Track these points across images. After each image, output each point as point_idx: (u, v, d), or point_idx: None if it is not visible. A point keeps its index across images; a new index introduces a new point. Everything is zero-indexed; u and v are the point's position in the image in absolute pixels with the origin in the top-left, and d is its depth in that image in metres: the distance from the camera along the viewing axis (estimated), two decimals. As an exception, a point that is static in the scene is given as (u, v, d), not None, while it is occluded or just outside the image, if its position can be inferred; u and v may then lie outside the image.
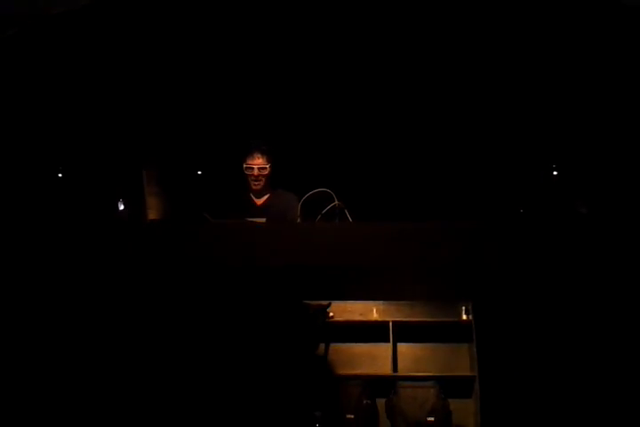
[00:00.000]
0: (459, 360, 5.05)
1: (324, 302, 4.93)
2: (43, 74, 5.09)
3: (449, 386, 4.85)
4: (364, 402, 4.76)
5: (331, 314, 5.07)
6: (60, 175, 6.04)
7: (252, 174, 4.23)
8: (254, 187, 4.27)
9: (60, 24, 4.44)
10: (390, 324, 5.07)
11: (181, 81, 5.55)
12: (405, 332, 5.09)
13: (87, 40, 4.88)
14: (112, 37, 4.94)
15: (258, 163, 4.23)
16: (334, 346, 5.04)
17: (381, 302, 5.17)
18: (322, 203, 2.94)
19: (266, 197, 4.38)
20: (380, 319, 5.16)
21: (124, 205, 2.39)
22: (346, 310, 5.21)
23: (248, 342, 3.98)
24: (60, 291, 2.65)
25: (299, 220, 3.10)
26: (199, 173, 6.29)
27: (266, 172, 4.24)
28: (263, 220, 3.27)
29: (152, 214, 3.05)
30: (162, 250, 2.27)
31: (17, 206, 4.84)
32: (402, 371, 5.00)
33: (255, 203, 4.35)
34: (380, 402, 4.85)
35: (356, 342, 5.12)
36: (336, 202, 2.84)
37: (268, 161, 4.27)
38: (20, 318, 3.00)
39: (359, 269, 2.54)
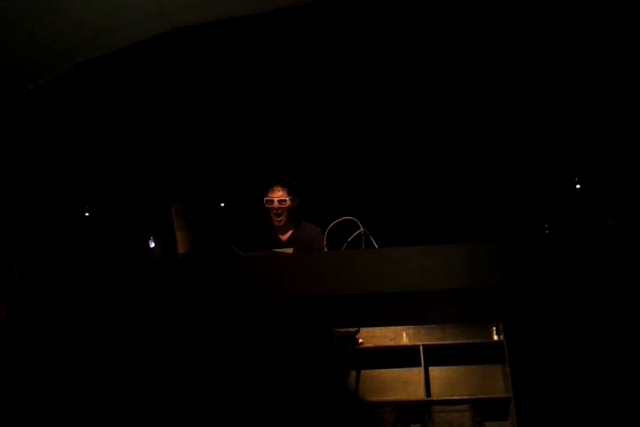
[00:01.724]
0: (492, 382, 4.99)
1: (353, 329, 4.93)
2: (70, 114, 5.20)
3: (484, 409, 4.79)
4: (400, 428, 4.71)
5: (360, 340, 5.06)
6: (87, 214, 6.15)
7: (273, 207, 4.14)
8: (277, 223, 4.15)
9: (91, 69, 4.52)
10: (421, 348, 5.04)
11: (203, 115, 5.63)
12: (437, 355, 5.05)
13: (112, 83, 4.99)
14: (137, 81, 5.04)
15: (278, 195, 4.14)
16: (366, 373, 5.01)
17: (411, 326, 5.15)
18: (347, 231, 2.95)
19: (290, 232, 4.27)
20: (410, 344, 5.14)
21: (155, 242, 2.42)
22: (375, 336, 5.20)
23: (279, 373, 3.98)
24: (95, 331, 2.68)
25: (325, 248, 3.09)
26: (222, 205, 6.35)
27: (286, 204, 4.15)
28: (290, 250, 3.25)
29: (180, 249, 3.09)
30: (194, 284, 2.30)
31: (47, 245, 4.92)
32: (435, 395, 4.96)
33: (280, 239, 4.24)
34: (416, 428, 4.81)
35: (388, 367, 5.09)
36: (361, 229, 2.86)
37: (289, 194, 4.19)
38: (52, 357, 3.04)
39: (387, 295, 2.54)
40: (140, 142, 5.62)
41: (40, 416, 3.14)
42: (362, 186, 5.82)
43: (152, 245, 2.57)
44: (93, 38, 3.88)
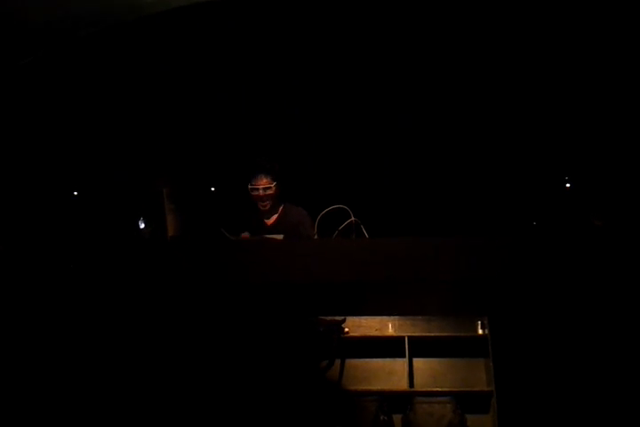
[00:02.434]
0: (475, 375, 5.02)
1: (339, 318, 4.95)
2: (62, 92, 5.16)
3: (465, 401, 4.83)
4: (381, 418, 4.74)
5: (346, 330, 5.08)
6: (75, 193, 6.12)
7: (258, 195, 4.15)
8: (262, 208, 4.17)
9: (83, 46, 4.50)
10: (406, 339, 5.06)
11: (194, 98, 5.59)
12: (421, 347, 5.08)
13: (109, 62, 4.96)
14: (130, 60, 5.01)
15: (262, 183, 4.14)
16: (350, 362, 5.04)
17: (397, 317, 5.17)
18: (339, 219, 2.95)
19: (275, 216, 4.28)
20: (395, 335, 5.16)
21: (145, 223, 2.41)
22: (361, 326, 5.22)
23: (263, 357, 3.99)
24: (83, 310, 2.68)
25: (315, 236, 3.10)
26: (212, 189, 6.34)
27: (271, 191, 4.15)
28: (281, 236, 3.26)
29: (169, 231, 3.08)
30: (183, 266, 2.30)
31: (32, 222, 4.89)
32: (418, 386, 4.99)
33: (265, 223, 4.26)
34: (397, 418, 4.83)
35: (372, 357, 5.11)
36: (352, 218, 2.86)
37: (273, 180, 4.19)
38: (39, 336, 3.03)
39: (375, 285, 2.55)
40: (132, 123, 5.59)
41: (26, 395, 3.14)
42: (355, 175, 5.81)
43: (142, 225, 2.57)
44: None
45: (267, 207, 4.17)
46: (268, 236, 3.34)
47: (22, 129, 5.13)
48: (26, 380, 3.04)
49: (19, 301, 3.15)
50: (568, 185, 6.15)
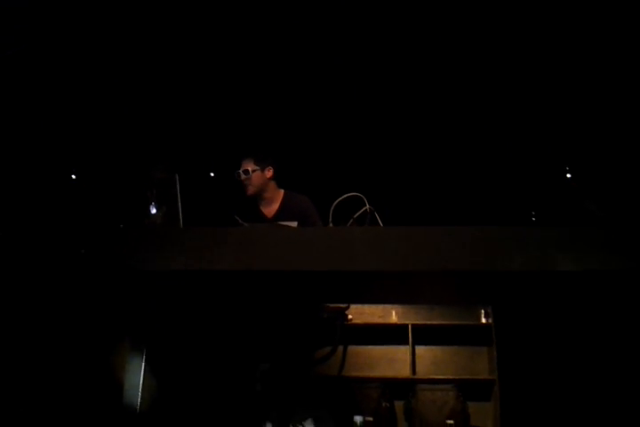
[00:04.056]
0: (477, 363, 5.05)
1: (343, 305, 4.96)
2: (60, 75, 5.13)
3: (467, 389, 4.86)
4: (383, 405, 4.77)
5: (349, 317, 5.09)
6: (73, 176, 6.10)
7: (240, 179, 3.93)
8: (246, 191, 3.93)
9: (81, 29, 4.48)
10: (409, 327, 5.08)
11: (195, 82, 5.56)
12: (424, 335, 5.10)
13: (104, 43, 4.93)
14: (123, 43, 4.97)
15: (242, 167, 3.93)
16: (353, 349, 5.06)
17: (400, 305, 5.18)
18: (354, 207, 2.94)
19: (276, 206, 4.04)
20: (399, 322, 5.17)
21: (157, 208, 2.40)
22: (364, 313, 5.23)
23: (268, 344, 4.01)
24: (83, 296, 2.68)
25: (330, 224, 3.05)
26: (212, 174, 6.32)
27: (250, 176, 3.90)
28: (295, 224, 3.20)
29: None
30: (194, 252, 2.30)
31: (31, 207, 4.89)
32: (420, 374, 5.01)
33: (265, 215, 4.02)
34: (399, 405, 4.86)
35: (375, 344, 5.13)
36: (367, 206, 2.86)
37: (256, 164, 3.94)
38: (32, 321, 3.04)
39: (381, 273, 2.55)
40: (133, 107, 5.56)
41: (28, 382, 3.15)
42: (371, 163, 5.79)
43: (153, 211, 2.55)
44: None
45: (250, 191, 3.94)
46: (282, 222, 3.28)
47: (22, 110, 5.11)
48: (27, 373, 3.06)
49: (24, 288, 3.16)
50: (568, 175, 6.15)
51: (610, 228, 2.53)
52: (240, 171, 3.93)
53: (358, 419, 3.62)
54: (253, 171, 3.91)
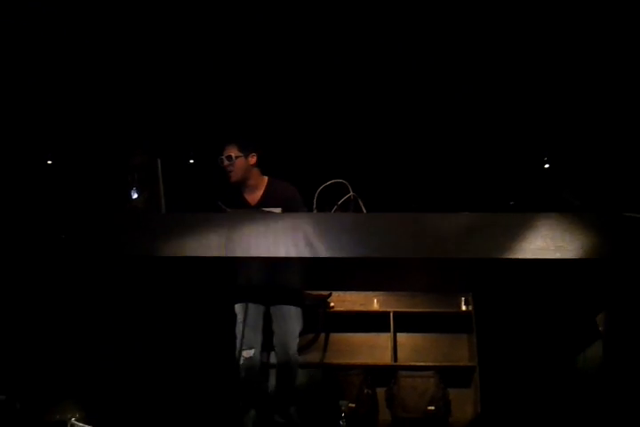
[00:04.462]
0: (458, 350, 5.10)
1: (325, 293, 4.98)
2: (37, 59, 5.05)
3: (448, 376, 4.91)
4: (365, 391, 4.81)
5: (332, 304, 5.12)
6: (49, 162, 6.02)
7: (223, 166, 3.82)
8: (228, 177, 3.84)
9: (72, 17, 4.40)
10: (391, 314, 5.12)
11: (181, 68, 5.50)
12: (406, 322, 5.14)
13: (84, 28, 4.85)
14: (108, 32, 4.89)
15: (225, 153, 3.83)
16: (335, 336, 5.09)
17: (382, 292, 5.21)
18: (337, 194, 2.94)
19: (259, 193, 3.96)
20: (380, 310, 5.21)
21: (138, 193, 2.36)
22: (346, 300, 5.26)
23: (250, 331, 4.00)
24: (71, 283, 2.66)
25: (315, 210, 3.03)
26: (191, 161, 6.25)
27: (233, 162, 3.81)
28: (279, 209, 3.17)
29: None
30: (179, 238, 2.28)
31: (8, 193, 4.83)
32: (402, 361, 5.06)
33: (248, 202, 3.94)
34: (381, 391, 4.91)
35: (357, 331, 5.17)
36: (351, 193, 2.85)
37: (240, 151, 3.84)
38: (27, 308, 3.02)
39: (363, 260, 2.56)
40: (113, 91, 5.49)
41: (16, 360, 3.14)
42: (355, 150, 5.78)
43: (134, 195, 2.52)
44: None
45: (233, 178, 3.83)
46: (266, 209, 3.25)
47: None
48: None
49: (5, 274, 3.13)
50: (547, 165, 6.18)
51: (589, 215, 2.55)
52: (223, 157, 3.84)
53: (343, 404, 3.64)
54: (237, 157, 3.83)
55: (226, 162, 3.83)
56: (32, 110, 5.43)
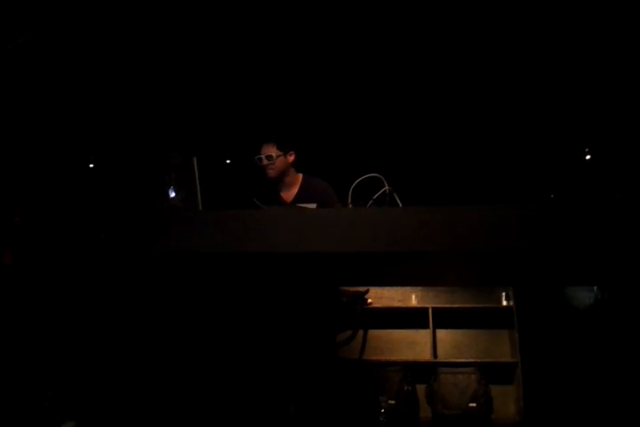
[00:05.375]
0: (499, 346, 5.03)
1: (362, 289, 4.95)
2: (75, 64, 5.13)
3: (489, 372, 4.84)
4: (405, 388, 4.77)
5: (369, 300, 5.08)
6: (91, 165, 6.13)
7: (262, 164, 3.87)
8: (267, 175, 3.89)
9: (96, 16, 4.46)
10: (430, 310, 5.07)
11: (213, 67, 5.52)
12: (445, 318, 5.08)
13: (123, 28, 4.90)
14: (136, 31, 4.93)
15: (264, 152, 3.87)
16: (373, 332, 5.05)
17: (420, 287, 5.17)
18: (373, 188, 2.92)
19: (294, 191, 4.00)
20: (419, 306, 5.16)
21: (175, 192, 2.39)
22: (383, 297, 5.23)
23: (288, 329, 4.00)
24: (111, 281, 2.69)
25: (350, 205, 3.02)
26: (228, 162, 6.30)
27: (273, 161, 3.86)
28: (314, 205, 3.17)
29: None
30: (214, 235, 2.29)
31: (50, 193, 4.91)
32: (442, 357, 5.00)
33: (285, 200, 3.98)
34: (421, 388, 4.86)
35: (395, 328, 5.13)
36: (386, 187, 2.83)
37: (279, 150, 3.87)
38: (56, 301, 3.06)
39: (400, 255, 2.52)
40: (149, 93, 5.55)
41: (44, 364, 3.18)
42: (391, 144, 5.75)
43: (172, 194, 2.55)
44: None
45: (271, 175, 3.88)
46: (301, 205, 3.25)
47: (37, 96, 5.12)
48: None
49: (38, 269, 3.18)
50: (588, 157, 6.07)
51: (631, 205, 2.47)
52: (263, 156, 3.88)
53: (383, 400, 3.62)
54: (277, 156, 3.88)
55: (265, 161, 3.86)
56: (73, 115, 5.53)
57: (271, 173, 3.87)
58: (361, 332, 5.05)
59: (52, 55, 4.77)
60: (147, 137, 5.68)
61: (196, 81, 5.51)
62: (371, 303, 5.08)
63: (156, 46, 5.15)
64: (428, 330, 5.06)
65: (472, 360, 4.88)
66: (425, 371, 4.88)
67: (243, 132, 5.76)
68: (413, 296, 5.20)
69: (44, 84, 5.04)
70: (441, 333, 5.12)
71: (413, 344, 5.10)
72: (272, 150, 3.86)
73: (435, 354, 5.02)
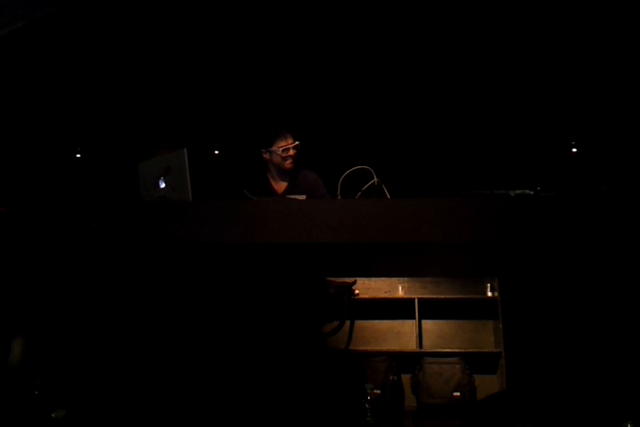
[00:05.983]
0: (483, 337, 5.09)
1: (350, 280, 4.99)
2: (62, 54, 5.11)
3: (474, 362, 4.90)
4: (390, 378, 4.82)
5: (356, 292, 5.12)
6: (78, 156, 6.13)
7: (289, 155, 3.99)
8: (287, 166, 4.02)
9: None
10: (416, 301, 5.11)
11: (200, 59, 5.52)
12: (431, 309, 5.13)
13: (113, 22, 4.90)
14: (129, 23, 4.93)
15: (292, 142, 4.02)
16: (360, 323, 5.10)
17: (407, 279, 5.21)
18: (362, 180, 2.96)
19: (286, 182, 4.12)
20: (405, 296, 5.21)
21: (165, 182, 2.42)
22: (370, 288, 5.27)
23: (274, 319, 4.04)
24: (102, 272, 2.71)
25: (339, 197, 3.07)
26: (216, 152, 6.31)
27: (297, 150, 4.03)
28: (303, 197, 3.23)
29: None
30: (203, 225, 2.32)
31: (34, 184, 4.90)
32: (427, 347, 5.05)
33: (276, 191, 4.08)
34: (406, 378, 4.91)
35: (382, 318, 5.18)
36: (375, 179, 2.87)
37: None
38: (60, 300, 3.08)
39: (387, 246, 2.57)
40: (138, 83, 5.54)
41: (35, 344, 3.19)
42: (379, 136, 5.78)
43: (162, 185, 2.57)
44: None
45: (293, 166, 4.04)
46: (290, 196, 3.31)
47: (25, 90, 5.10)
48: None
49: (35, 263, 3.18)
50: (574, 150, 6.13)
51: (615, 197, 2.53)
52: (291, 147, 3.98)
53: (369, 387, 3.67)
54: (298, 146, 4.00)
55: (294, 151, 3.98)
56: (62, 108, 5.52)
57: (294, 163, 3.98)
58: (348, 323, 5.10)
59: (40, 46, 4.76)
60: (136, 128, 5.69)
61: (187, 72, 5.51)
62: (358, 294, 5.12)
63: (146, 38, 5.14)
64: (413, 321, 5.11)
65: (457, 350, 4.94)
66: (410, 361, 4.93)
67: (232, 124, 5.77)
68: (400, 287, 5.25)
69: (31, 74, 5.03)
70: (427, 323, 5.17)
71: (399, 335, 5.15)
72: (293, 140, 3.99)
73: (420, 344, 5.07)
